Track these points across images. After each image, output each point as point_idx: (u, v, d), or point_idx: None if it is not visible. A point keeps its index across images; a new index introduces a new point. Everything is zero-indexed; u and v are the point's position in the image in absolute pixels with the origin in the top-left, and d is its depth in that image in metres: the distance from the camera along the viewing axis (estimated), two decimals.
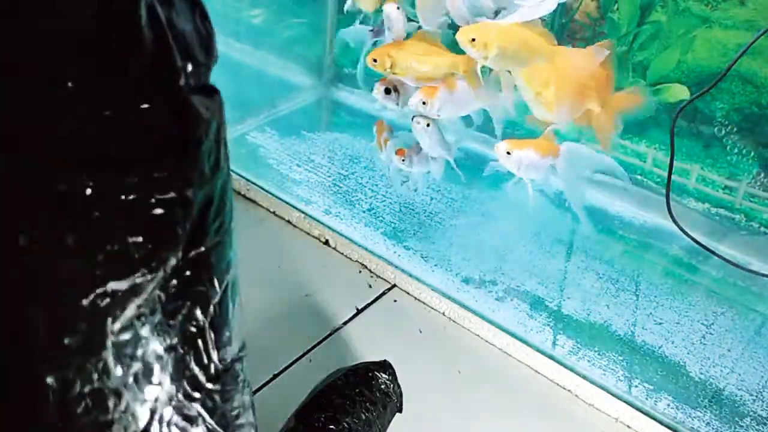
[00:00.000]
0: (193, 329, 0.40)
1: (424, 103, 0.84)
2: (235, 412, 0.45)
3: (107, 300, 0.35)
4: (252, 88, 1.43)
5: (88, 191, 0.33)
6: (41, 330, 0.34)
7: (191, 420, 0.40)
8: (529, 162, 0.81)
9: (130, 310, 0.36)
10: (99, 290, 0.35)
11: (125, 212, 0.35)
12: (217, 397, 0.42)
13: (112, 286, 0.35)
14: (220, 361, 0.43)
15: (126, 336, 0.36)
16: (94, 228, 0.34)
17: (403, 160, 0.94)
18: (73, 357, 0.35)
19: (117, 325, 0.36)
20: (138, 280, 0.36)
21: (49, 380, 0.35)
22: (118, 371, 0.36)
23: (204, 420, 0.41)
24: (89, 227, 0.34)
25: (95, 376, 0.36)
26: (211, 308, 0.41)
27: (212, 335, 0.42)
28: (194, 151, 0.38)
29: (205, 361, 0.41)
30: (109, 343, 0.36)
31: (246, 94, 1.43)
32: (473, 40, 0.73)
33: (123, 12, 0.34)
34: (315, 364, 0.94)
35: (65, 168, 0.33)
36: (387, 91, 0.88)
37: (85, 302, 0.34)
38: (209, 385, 0.42)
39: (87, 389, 0.36)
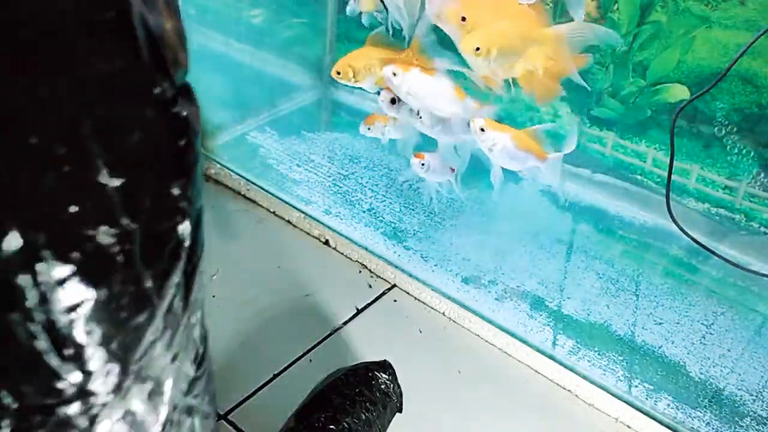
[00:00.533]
0: (190, 333, 0.39)
1: (394, 74, 0.83)
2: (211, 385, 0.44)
3: (130, 336, 0.34)
4: (252, 88, 1.44)
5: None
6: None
7: (191, 412, 0.40)
8: (503, 147, 0.81)
9: (147, 338, 0.35)
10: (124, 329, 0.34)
11: (137, 247, 0.33)
12: (201, 382, 0.42)
13: (137, 321, 0.34)
14: (203, 348, 0.42)
15: (142, 361, 0.35)
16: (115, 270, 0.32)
17: (422, 165, 0.91)
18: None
19: (136, 355, 0.35)
20: (154, 311, 0.35)
21: (81, 421, 0.34)
22: (139, 394, 0.36)
23: (197, 410, 0.41)
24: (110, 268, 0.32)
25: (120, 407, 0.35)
26: (202, 309, 0.40)
27: (202, 332, 0.41)
28: (194, 168, 0.35)
29: (194, 356, 0.41)
30: (130, 375, 0.35)
31: (246, 94, 1.43)
32: (477, 49, 0.74)
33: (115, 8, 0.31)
34: (315, 364, 0.94)
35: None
36: (392, 101, 0.88)
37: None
38: (196, 374, 0.41)
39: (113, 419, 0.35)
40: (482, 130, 0.81)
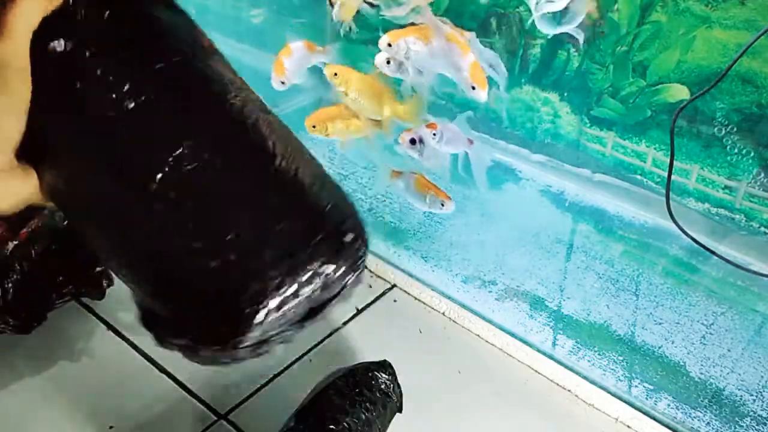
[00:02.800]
0: None
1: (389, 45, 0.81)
2: None
3: None
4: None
5: None
6: None
7: None
8: (417, 52, 0.79)
9: None
10: None
11: None
12: None
13: None
14: None
15: None
16: None
17: (434, 135, 0.86)
18: None
19: None
20: None
21: None
22: None
23: None
24: None
25: None
26: None
27: None
28: None
29: None
30: None
31: None
32: (335, 74, 0.83)
33: None
34: (315, 364, 0.94)
35: None
36: (412, 142, 0.87)
37: None
38: None
39: None
40: (389, 45, 0.80)
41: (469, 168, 0.88)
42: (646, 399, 0.90)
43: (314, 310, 0.44)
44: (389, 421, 0.84)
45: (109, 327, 0.98)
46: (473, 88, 0.76)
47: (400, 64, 0.83)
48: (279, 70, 0.93)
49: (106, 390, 0.90)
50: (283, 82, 0.93)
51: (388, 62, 0.83)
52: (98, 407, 0.87)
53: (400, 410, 0.86)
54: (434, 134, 0.86)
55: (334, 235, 0.44)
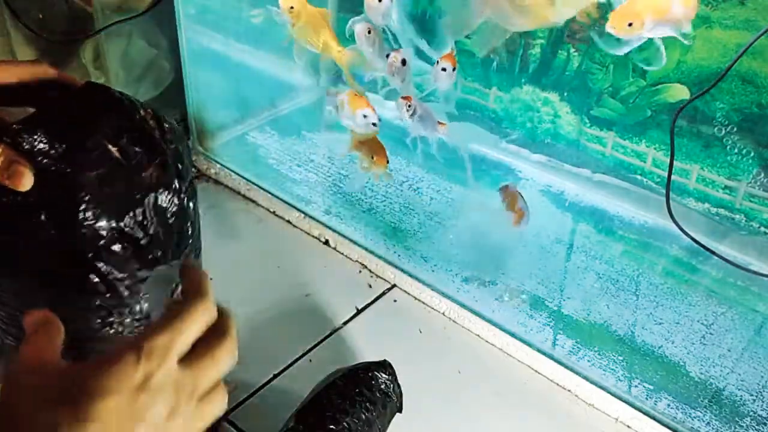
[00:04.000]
0: None
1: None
2: None
3: None
4: (252, 88, 1.43)
5: None
6: None
7: None
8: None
9: None
10: None
11: None
12: None
13: None
14: None
15: None
16: None
17: (409, 107, 0.85)
18: None
19: None
20: None
21: None
22: None
23: None
24: None
25: None
26: None
27: None
28: None
29: None
30: None
31: (246, 94, 1.43)
32: (291, 8, 0.89)
33: None
34: (315, 364, 0.94)
35: None
36: (404, 62, 0.87)
37: None
38: None
39: None
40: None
41: (444, 150, 0.92)
42: (646, 399, 0.90)
43: None
44: (389, 421, 0.84)
45: None
46: (443, 69, 0.83)
47: (374, 42, 0.86)
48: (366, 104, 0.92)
49: None
50: (375, 124, 0.91)
51: (369, 32, 0.86)
52: None
53: (400, 410, 0.86)
54: (409, 106, 0.87)
55: None
